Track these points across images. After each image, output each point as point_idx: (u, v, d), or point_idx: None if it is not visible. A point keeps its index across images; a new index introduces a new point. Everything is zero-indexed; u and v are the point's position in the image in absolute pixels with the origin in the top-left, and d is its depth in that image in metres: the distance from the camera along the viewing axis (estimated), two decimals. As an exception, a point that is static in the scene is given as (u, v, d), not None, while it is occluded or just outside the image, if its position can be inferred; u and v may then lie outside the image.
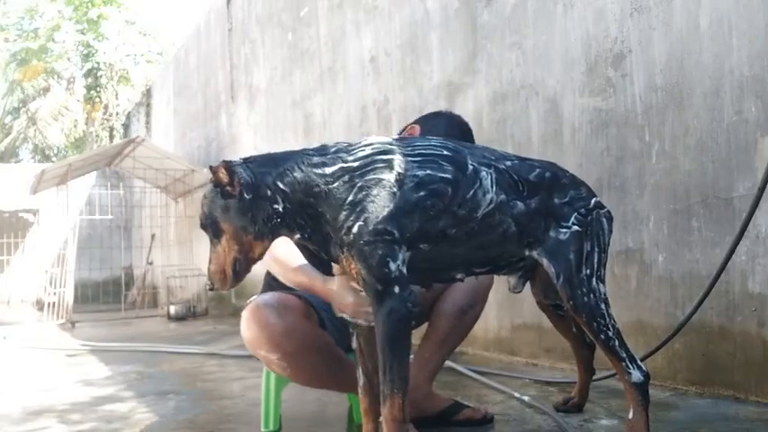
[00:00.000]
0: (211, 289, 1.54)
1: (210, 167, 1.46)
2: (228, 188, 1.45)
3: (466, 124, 2.16)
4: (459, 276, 1.69)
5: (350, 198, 1.48)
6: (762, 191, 1.97)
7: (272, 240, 1.53)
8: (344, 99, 4.78)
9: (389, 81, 4.19)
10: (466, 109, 3.51)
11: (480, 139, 3.39)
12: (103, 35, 15.15)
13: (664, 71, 2.44)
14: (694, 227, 2.35)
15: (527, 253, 1.68)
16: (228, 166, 1.45)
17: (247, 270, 1.52)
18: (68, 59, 16.30)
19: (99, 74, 14.64)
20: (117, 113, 14.50)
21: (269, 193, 1.47)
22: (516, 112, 3.19)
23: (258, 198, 1.46)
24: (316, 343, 1.82)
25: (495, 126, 3.32)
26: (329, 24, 4.96)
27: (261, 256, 1.53)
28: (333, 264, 1.63)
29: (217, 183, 1.46)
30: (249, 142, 6.63)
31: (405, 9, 4.00)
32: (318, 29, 5.13)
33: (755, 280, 2.15)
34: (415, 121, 2.13)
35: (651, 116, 2.50)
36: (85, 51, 15.02)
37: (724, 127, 2.24)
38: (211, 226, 1.49)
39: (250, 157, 1.54)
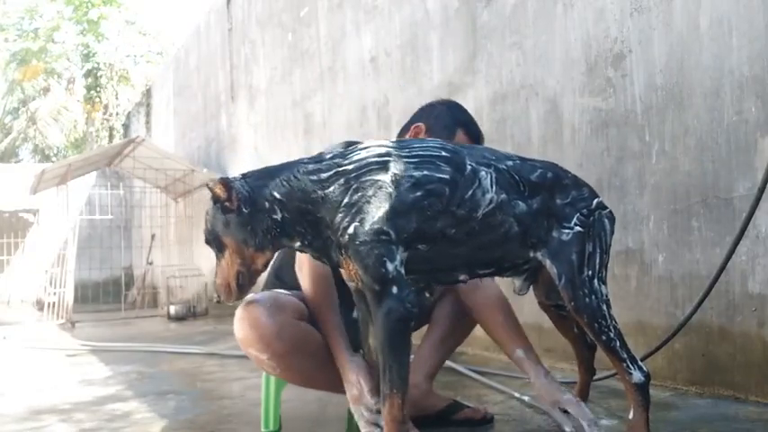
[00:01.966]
0: (218, 301, 1.60)
1: (208, 185, 1.51)
2: (227, 203, 1.49)
3: (461, 106, 2.19)
4: (461, 278, 1.68)
5: (345, 200, 1.49)
6: (762, 191, 1.97)
7: (275, 251, 1.57)
8: (344, 99, 4.78)
9: (389, 81, 4.19)
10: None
11: (480, 139, 3.40)
12: (103, 35, 15.17)
13: (664, 71, 2.44)
14: (694, 227, 2.35)
15: (531, 254, 1.67)
16: (225, 182, 1.50)
17: (252, 282, 1.56)
18: (68, 59, 16.31)
19: (99, 74, 14.66)
20: (117, 113, 14.51)
21: (267, 204, 1.51)
22: (516, 113, 3.19)
23: (257, 211, 1.50)
24: (307, 345, 1.81)
25: (495, 126, 3.32)
26: (329, 24, 4.96)
27: (264, 268, 1.56)
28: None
29: (215, 199, 1.50)
30: (249, 142, 6.64)
31: (405, 9, 4.00)
32: (318, 29, 5.13)
33: (755, 280, 2.15)
34: (415, 118, 2.10)
35: (651, 116, 2.50)
36: (85, 51, 15.03)
37: (724, 127, 2.24)
38: (215, 241, 1.54)
39: (248, 172, 1.58)
